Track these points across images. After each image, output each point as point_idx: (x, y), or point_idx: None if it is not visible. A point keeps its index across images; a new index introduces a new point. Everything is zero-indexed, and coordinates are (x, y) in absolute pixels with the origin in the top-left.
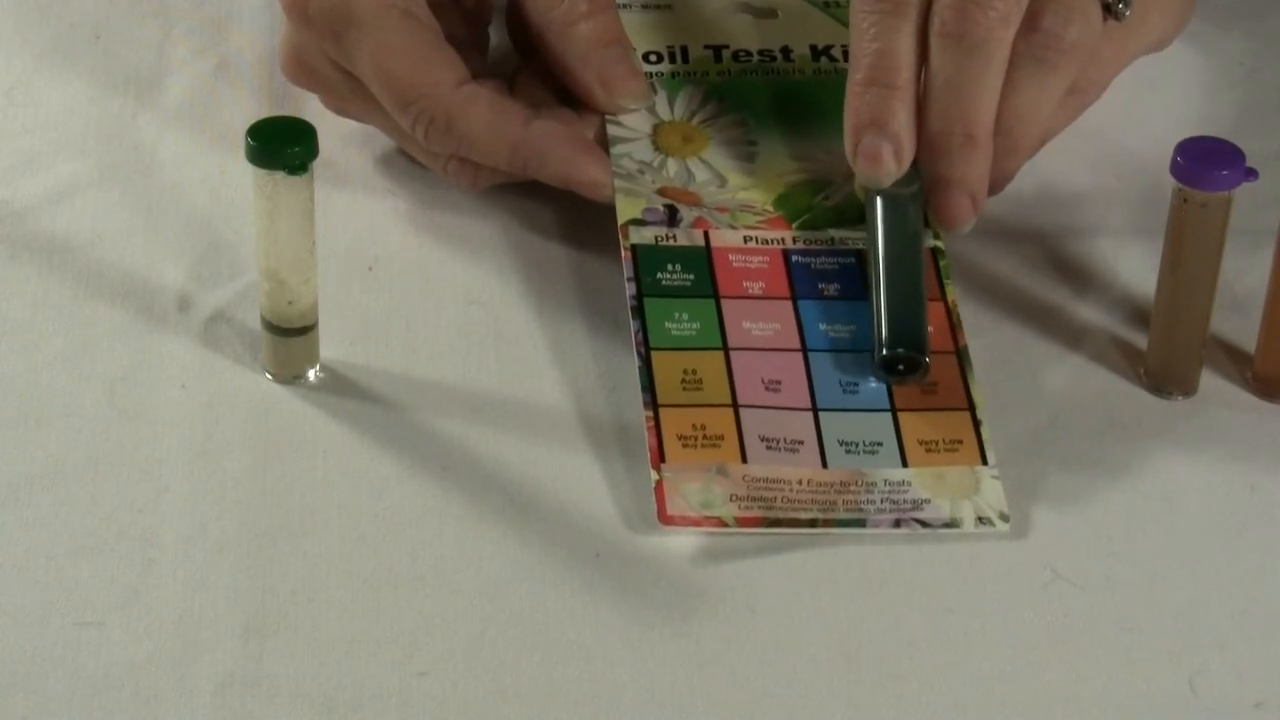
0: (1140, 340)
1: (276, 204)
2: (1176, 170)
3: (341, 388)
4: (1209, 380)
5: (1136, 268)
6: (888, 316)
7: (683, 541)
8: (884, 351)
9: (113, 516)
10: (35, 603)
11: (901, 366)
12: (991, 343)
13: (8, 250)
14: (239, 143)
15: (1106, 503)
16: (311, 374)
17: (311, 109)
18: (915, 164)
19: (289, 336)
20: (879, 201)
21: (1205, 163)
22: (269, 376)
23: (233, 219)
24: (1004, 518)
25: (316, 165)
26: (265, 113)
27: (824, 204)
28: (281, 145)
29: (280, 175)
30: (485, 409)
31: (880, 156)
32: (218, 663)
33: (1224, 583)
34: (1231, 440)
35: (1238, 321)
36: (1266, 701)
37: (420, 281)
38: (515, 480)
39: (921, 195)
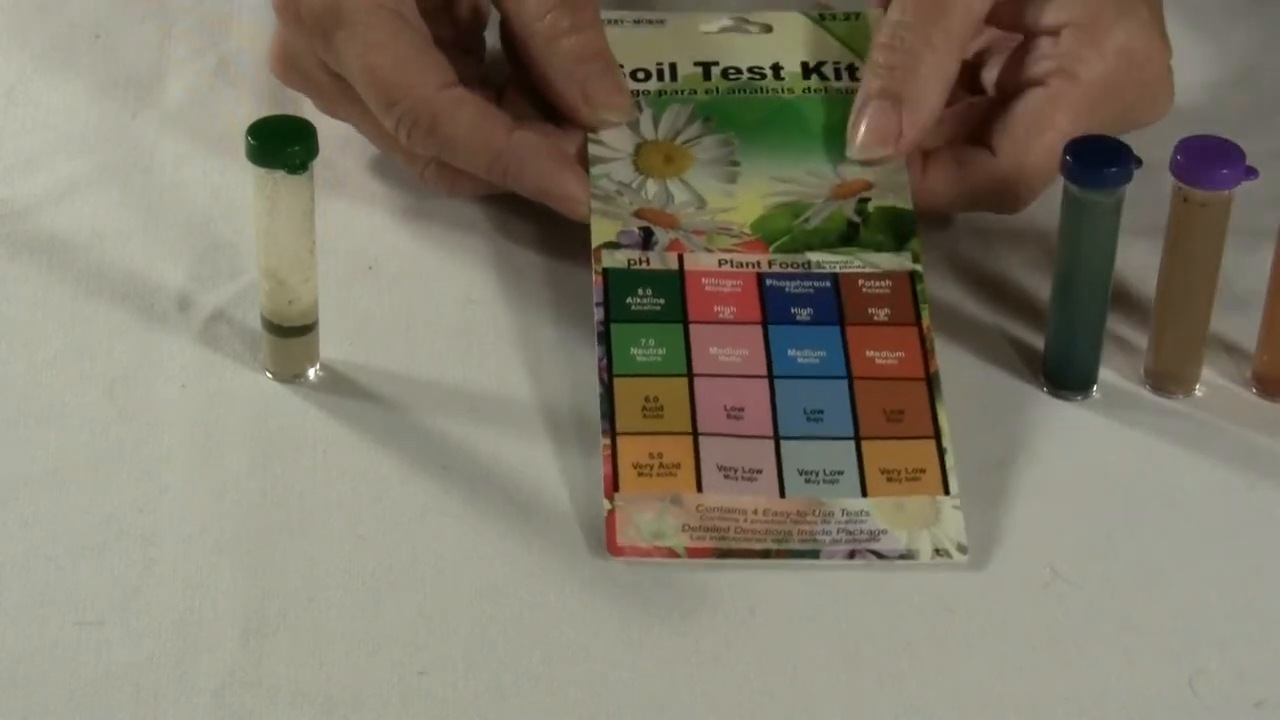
0: (1140, 340)
1: (276, 203)
2: (1176, 170)
3: (341, 388)
4: (1209, 380)
5: (1136, 268)
6: (1062, 350)
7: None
8: (1049, 387)
9: (113, 516)
10: (35, 603)
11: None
12: (993, 342)
13: (8, 250)
14: (239, 143)
15: (1106, 502)
16: (312, 373)
17: (311, 108)
18: (1116, 175)
19: (289, 336)
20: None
21: (1205, 162)
22: (269, 376)
23: (233, 219)
24: (961, 549)
25: (316, 165)
26: (265, 113)
27: (803, 227)
28: (281, 145)
29: (280, 175)
30: (485, 409)
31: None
32: (218, 663)
33: (1224, 583)
34: (1231, 440)
35: (1238, 321)
36: (1266, 701)
37: (420, 281)
38: (515, 480)
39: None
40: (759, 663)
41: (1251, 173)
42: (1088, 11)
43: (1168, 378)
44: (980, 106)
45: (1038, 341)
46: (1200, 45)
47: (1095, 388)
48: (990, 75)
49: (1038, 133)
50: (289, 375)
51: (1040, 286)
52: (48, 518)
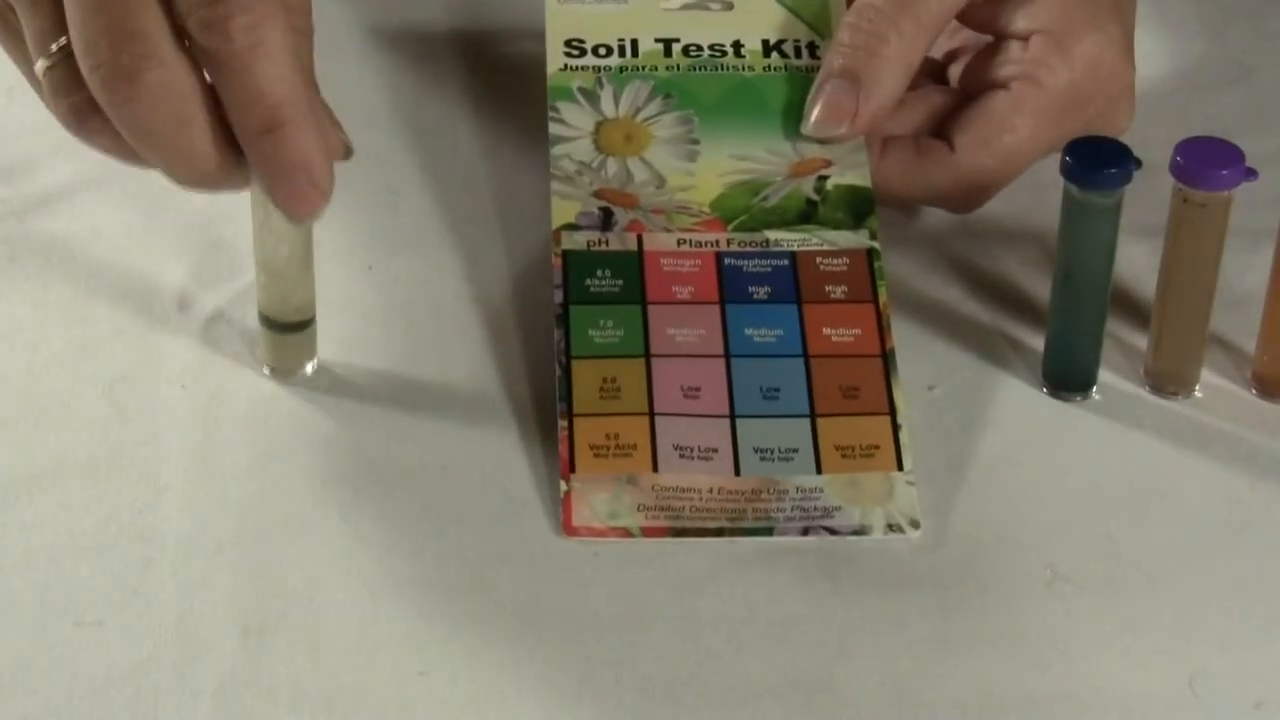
0: (1140, 340)
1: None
2: (1176, 170)
3: (341, 388)
4: (1209, 380)
5: (1136, 268)
6: (1062, 350)
7: (683, 542)
8: (1049, 387)
9: (113, 516)
10: (35, 603)
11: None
12: (992, 343)
13: (8, 250)
14: None
15: (1106, 502)
16: (309, 368)
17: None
18: (1115, 176)
19: (286, 332)
20: (1088, 210)
21: (1205, 162)
22: (267, 372)
23: (233, 219)
24: (914, 524)
25: None
26: None
27: (762, 205)
28: None
29: None
30: (485, 409)
31: None
32: (218, 663)
33: (1224, 583)
34: (1231, 440)
35: (1238, 321)
36: (1266, 702)
37: (420, 281)
38: (515, 480)
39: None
40: (759, 662)
41: (1251, 173)
42: (1059, 21)
43: (1168, 378)
44: (945, 98)
45: (1037, 342)
46: (1200, 45)
47: (1095, 388)
48: (957, 72)
49: (997, 135)
50: (286, 371)
51: (1040, 287)
52: (48, 518)
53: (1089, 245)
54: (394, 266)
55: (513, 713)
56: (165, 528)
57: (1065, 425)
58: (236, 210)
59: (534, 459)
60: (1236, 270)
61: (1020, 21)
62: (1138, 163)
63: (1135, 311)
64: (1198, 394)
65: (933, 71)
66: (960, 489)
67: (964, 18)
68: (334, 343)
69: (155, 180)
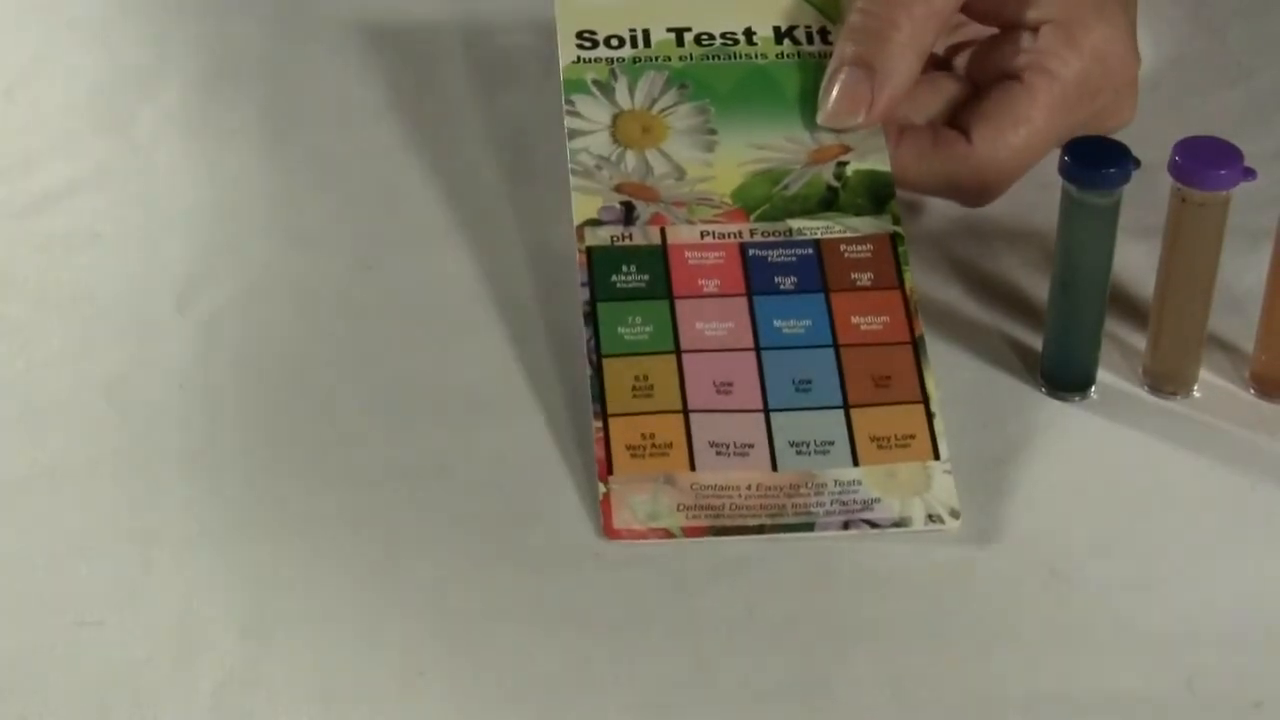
0: (1139, 340)
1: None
2: (1175, 170)
3: (341, 386)
4: (1208, 380)
5: (1136, 268)
6: (1061, 350)
7: (682, 542)
8: (1047, 387)
9: (113, 516)
10: (35, 603)
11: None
12: (991, 343)
13: (8, 250)
14: (238, 142)
15: (1105, 502)
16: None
17: None
18: (1114, 176)
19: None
20: (1085, 211)
21: (1203, 162)
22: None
23: (233, 219)
24: (954, 514)
25: (317, 165)
26: (264, 112)
27: (783, 193)
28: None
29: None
30: (486, 408)
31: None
32: (217, 663)
33: (1224, 583)
34: (1231, 440)
35: (1237, 321)
36: (1266, 701)
37: (420, 282)
38: (515, 480)
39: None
40: (758, 663)
41: (1249, 173)
42: (1067, 12)
43: (1166, 378)
44: (959, 85)
45: (1036, 342)
46: (1199, 45)
47: (1093, 388)
48: (962, 62)
49: (1013, 126)
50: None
51: (1039, 286)
52: (47, 518)
53: (1088, 245)
54: (404, 268)
55: (513, 713)
56: (165, 528)
57: (1064, 425)
58: (236, 210)
59: (535, 458)
60: (1235, 270)
61: (1029, 12)
62: (1136, 162)
63: (1134, 311)
64: (1196, 394)
65: (937, 67)
66: (960, 489)
67: (970, 9)
68: (351, 346)
69: (155, 180)
